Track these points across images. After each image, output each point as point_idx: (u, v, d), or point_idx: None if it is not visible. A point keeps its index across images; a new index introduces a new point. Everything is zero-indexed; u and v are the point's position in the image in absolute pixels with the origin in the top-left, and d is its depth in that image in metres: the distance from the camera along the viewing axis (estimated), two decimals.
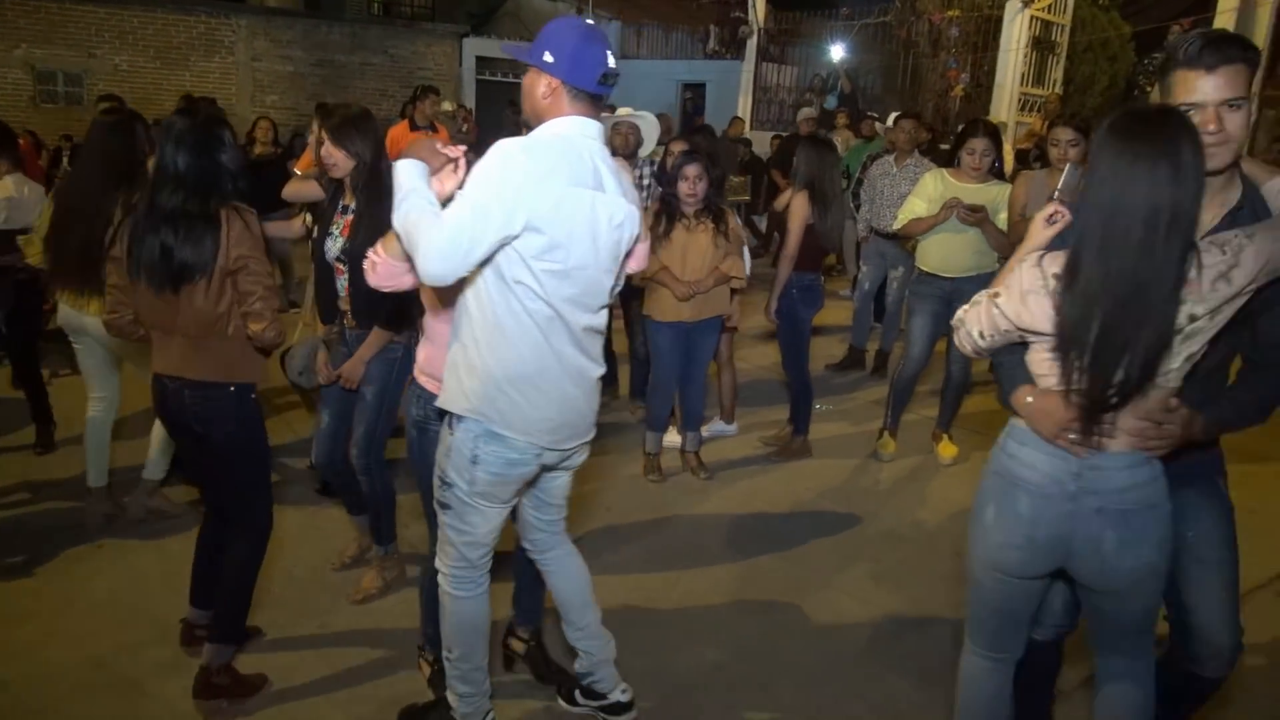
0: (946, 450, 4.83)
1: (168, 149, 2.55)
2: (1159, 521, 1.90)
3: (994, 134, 4.56)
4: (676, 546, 3.81)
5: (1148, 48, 11.53)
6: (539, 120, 2.20)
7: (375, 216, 3.03)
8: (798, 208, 4.54)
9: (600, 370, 2.37)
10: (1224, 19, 9.09)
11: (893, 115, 7.73)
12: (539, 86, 2.17)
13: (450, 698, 2.54)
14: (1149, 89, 9.92)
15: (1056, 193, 4.07)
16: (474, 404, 2.21)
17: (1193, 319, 1.77)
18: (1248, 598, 3.18)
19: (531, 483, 2.45)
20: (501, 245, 2.07)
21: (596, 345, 2.35)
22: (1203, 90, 1.85)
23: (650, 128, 5.75)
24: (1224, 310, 1.79)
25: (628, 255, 2.38)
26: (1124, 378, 1.78)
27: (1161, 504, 1.91)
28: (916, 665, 3.05)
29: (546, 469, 2.42)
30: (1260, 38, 9.03)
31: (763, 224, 10.67)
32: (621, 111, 6.56)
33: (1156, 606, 2.06)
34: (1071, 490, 1.90)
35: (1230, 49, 1.85)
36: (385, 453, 3.31)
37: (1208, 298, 1.76)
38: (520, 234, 2.06)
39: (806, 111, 9.86)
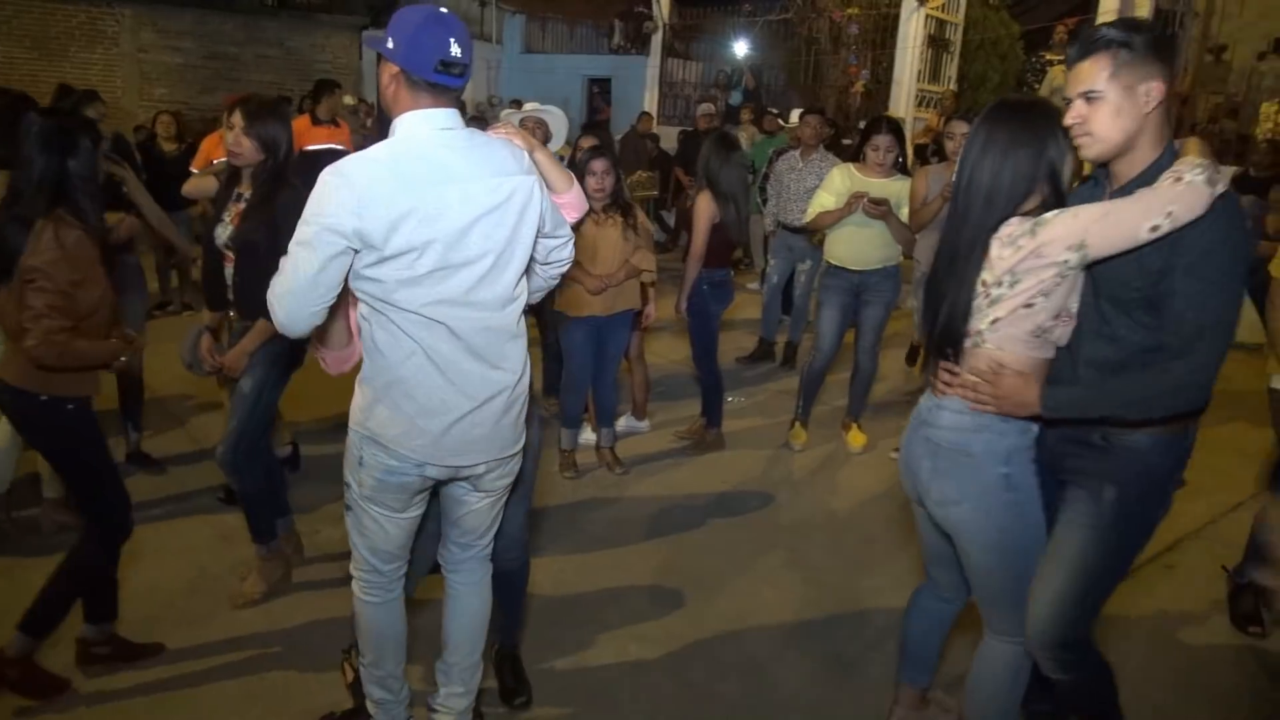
0: (856, 439, 4.93)
1: (24, 145, 2.51)
2: (970, 470, 2.10)
3: (897, 130, 4.68)
4: (594, 543, 3.80)
5: (1035, 46, 11.98)
6: (390, 114, 2.09)
7: (269, 208, 2.95)
8: (702, 207, 4.57)
9: (512, 377, 2.18)
10: (1105, 19, 9.49)
11: (797, 111, 7.87)
12: (383, 75, 2.09)
13: (369, 705, 2.47)
14: (1036, 86, 10.31)
15: (954, 177, 4.22)
16: (359, 418, 2.16)
17: (984, 284, 1.98)
18: (1136, 572, 3.35)
19: (437, 495, 2.34)
20: (350, 269, 2.00)
21: (501, 347, 2.16)
22: (1069, 84, 1.97)
23: (558, 122, 5.69)
24: (1024, 280, 1.92)
25: (553, 227, 2.27)
26: (937, 330, 2.09)
27: (978, 457, 2.08)
28: (833, 650, 3.11)
29: (449, 483, 2.28)
30: None
31: (671, 219, 10.74)
32: (528, 106, 6.49)
33: (1002, 581, 2.17)
34: (920, 420, 2.22)
35: (1094, 40, 1.92)
36: (261, 448, 3.23)
37: (994, 264, 1.95)
38: (361, 252, 1.97)
39: (705, 107, 9.94)
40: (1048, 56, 10.31)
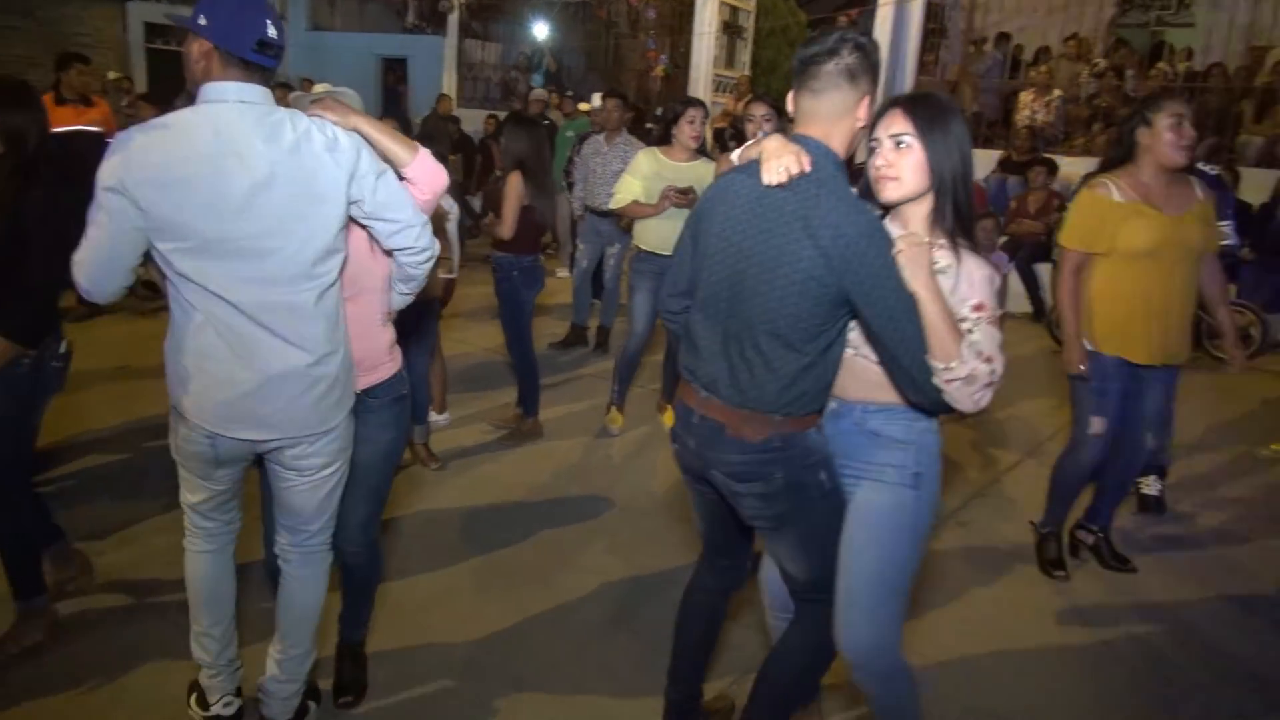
0: (671, 419, 4.99)
1: None
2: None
3: (705, 108, 4.77)
4: (413, 545, 3.66)
5: None
6: (197, 89, 2.08)
7: (18, 210, 2.59)
8: (513, 188, 4.48)
9: (310, 356, 2.12)
10: (884, 11, 10.07)
11: (599, 94, 7.88)
12: (193, 51, 2.07)
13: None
14: None
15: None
16: (168, 385, 2.18)
17: None
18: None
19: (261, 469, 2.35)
20: (142, 237, 2.02)
21: (298, 326, 2.10)
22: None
23: (351, 102, 5.43)
24: None
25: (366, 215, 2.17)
26: None
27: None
28: (662, 632, 3.13)
29: (264, 459, 2.28)
30: (913, 29, 10.11)
31: (478, 204, 10.52)
32: (319, 88, 6.12)
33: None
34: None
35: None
36: (20, 487, 2.82)
37: None
38: (144, 223, 1.99)
39: (539, 92, 9.83)
40: None
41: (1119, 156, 3.29)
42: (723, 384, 2.05)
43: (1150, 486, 4.16)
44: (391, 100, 15.84)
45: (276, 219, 2.04)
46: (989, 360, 1.86)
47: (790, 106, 2.05)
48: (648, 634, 3.11)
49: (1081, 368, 3.30)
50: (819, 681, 2.43)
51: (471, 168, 10.72)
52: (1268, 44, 9.51)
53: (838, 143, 2.00)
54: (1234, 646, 3.17)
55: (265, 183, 2.01)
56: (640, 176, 4.65)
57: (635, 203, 4.64)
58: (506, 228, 4.47)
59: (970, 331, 1.88)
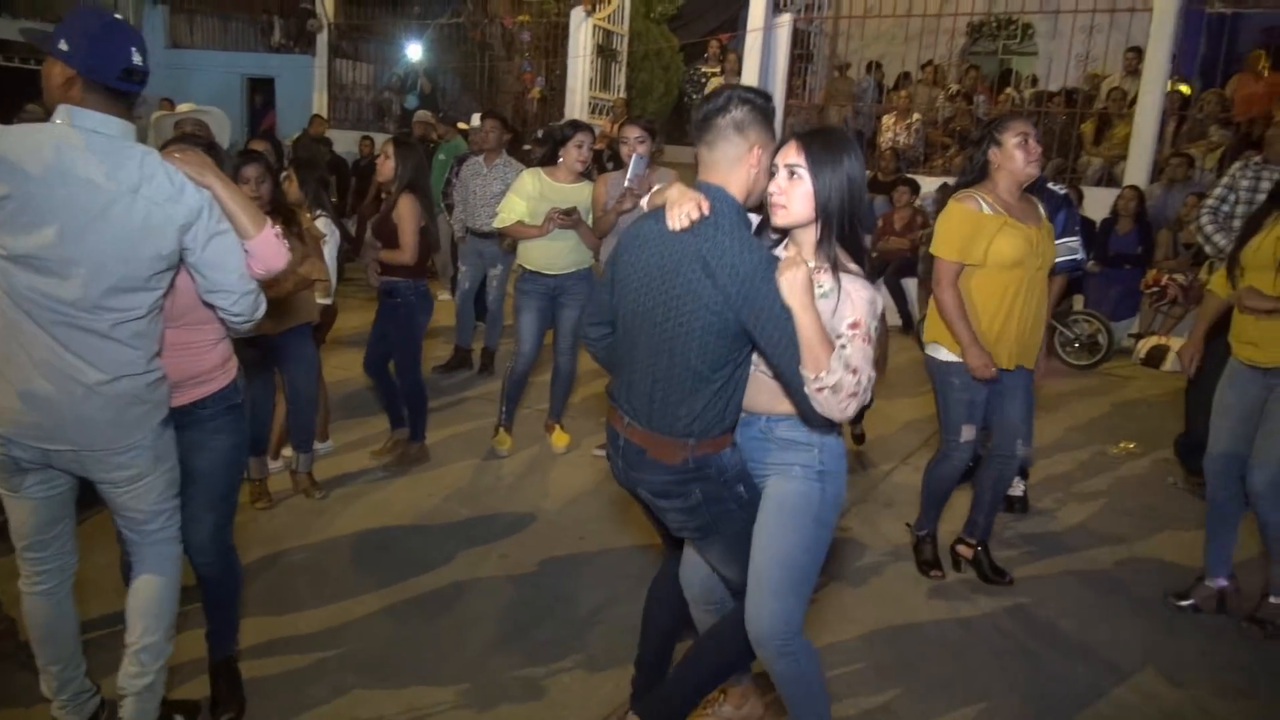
0: (560, 439, 5.02)
1: None
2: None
3: (592, 132, 4.83)
4: (300, 579, 3.55)
5: (692, 58, 12.86)
6: (54, 106, 2.12)
7: None
8: (410, 211, 4.41)
9: (104, 375, 2.15)
10: (752, 37, 10.41)
11: (476, 116, 7.86)
12: (54, 75, 2.10)
13: None
14: (696, 96, 11.07)
15: (628, 181, 4.43)
16: None
17: None
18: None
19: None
20: None
21: (94, 347, 2.13)
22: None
23: (218, 122, 5.28)
24: None
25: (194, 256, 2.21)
26: None
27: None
28: (558, 650, 3.15)
29: (71, 472, 2.28)
30: (781, 55, 10.48)
31: (352, 226, 10.29)
32: (183, 107, 5.94)
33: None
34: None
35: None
36: None
37: None
38: None
39: (423, 114, 9.70)
40: (704, 69, 11.09)
41: (973, 177, 3.42)
42: (641, 411, 2.23)
43: (1014, 487, 4.40)
44: (255, 119, 15.35)
45: (96, 251, 2.07)
46: (855, 372, 1.99)
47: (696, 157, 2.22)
48: (544, 654, 3.11)
49: (993, 371, 3.34)
50: (748, 663, 2.54)
51: (346, 190, 10.50)
52: (1103, 72, 10.27)
53: (735, 188, 2.17)
54: (1089, 633, 3.39)
55: (96, 215, 2.05)
56: (525, 196, 4.67)
57: (520, 223, 4.65)
58: (409, 252, 4.40)
59: (844, 347, 2.01)
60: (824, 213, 2.13)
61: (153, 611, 2.42)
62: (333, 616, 3.29)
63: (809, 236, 2.18)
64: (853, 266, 2.15)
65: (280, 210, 3.91)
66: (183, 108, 5.57)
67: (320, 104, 13.29)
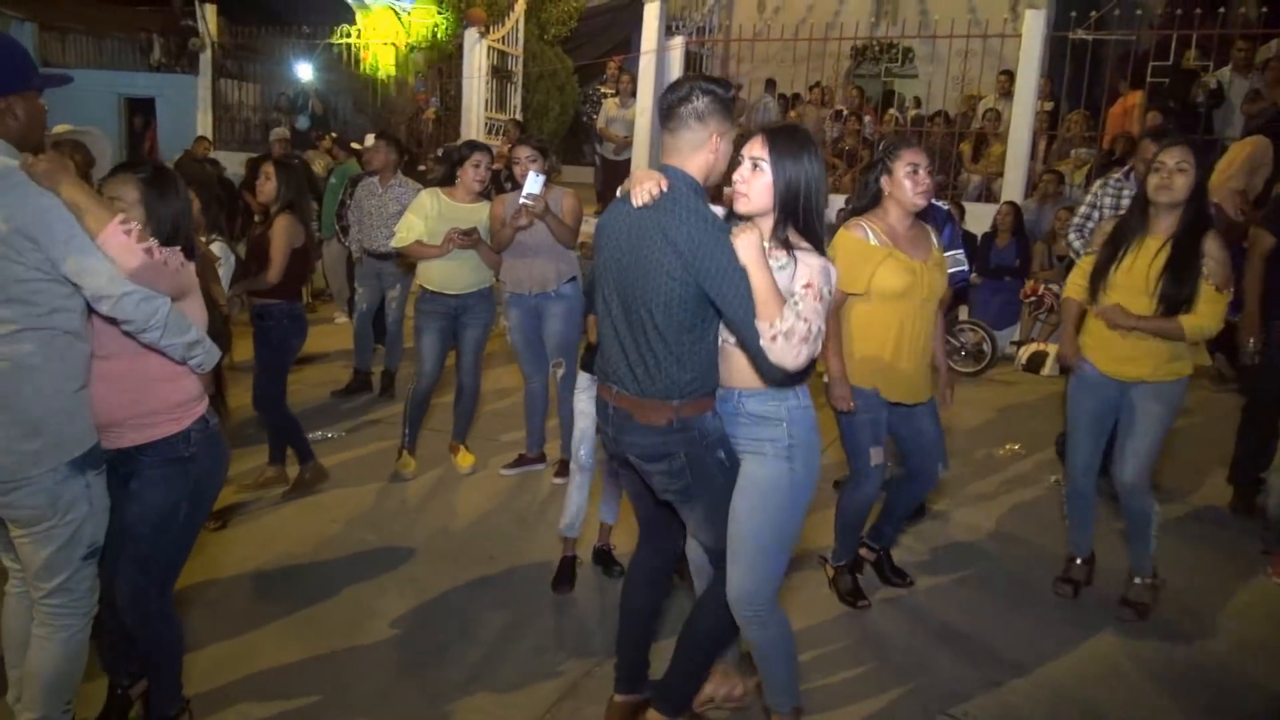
0: (465, 460, 4.98)
1: None
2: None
3: (490, 152, 4.83)
4: (197, 613, 3.41)
5: (588, 79, 12.96)
6: None
7: None
8: (285, 231, 4.33)
9: None
10: (646, 59, 10.57)
11: (370, 136, 7.76)
12: None
13: None
14: (594, 117, 11.16)
15: (523, 198, 4.46)
16: None
17: None
18: None
19: None
20: None
21: None
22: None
23: (99, 144, 5.09)
24: None
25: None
26: None
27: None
28: (470, 673, 3.12)
29: None
30: (675, 76, 10.65)
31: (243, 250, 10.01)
32: (60, 128, 5.69)
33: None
34: None
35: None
36: None
37: None
38: None
39: (279, 132, 9.48)
40: (601, 90, 11.19)
41: (865, 204, 3.43)
42: (626, 378, 2.41)
43: None
44: (135, 141, 14.78)
45: None
46: (806, 321, 2.16)
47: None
48: (456, 678, 3.08)
49: (850, 405, 3.36)
50: (734, 636, 2.70)
51: (233, 213, 10.19)
52: (979, 93, 10.78)
53: (695, 171, 2.35)
54: (984, 628, 3.55)
55: None
56: (423, 216, 4.63)
57: (419, 243, 4.61)
58: (275, 271, 4.30)
59: (797, 302, 2.20)
60: (782, 203, 2.32)
61: (36, 681, 2.28)
62: (234, 650, 3.19)
63: (768, 224, 2.36)
64: (805, 244, 2.33)
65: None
66: (59, 129, 5.33)
67: (204, 125, 12.89)
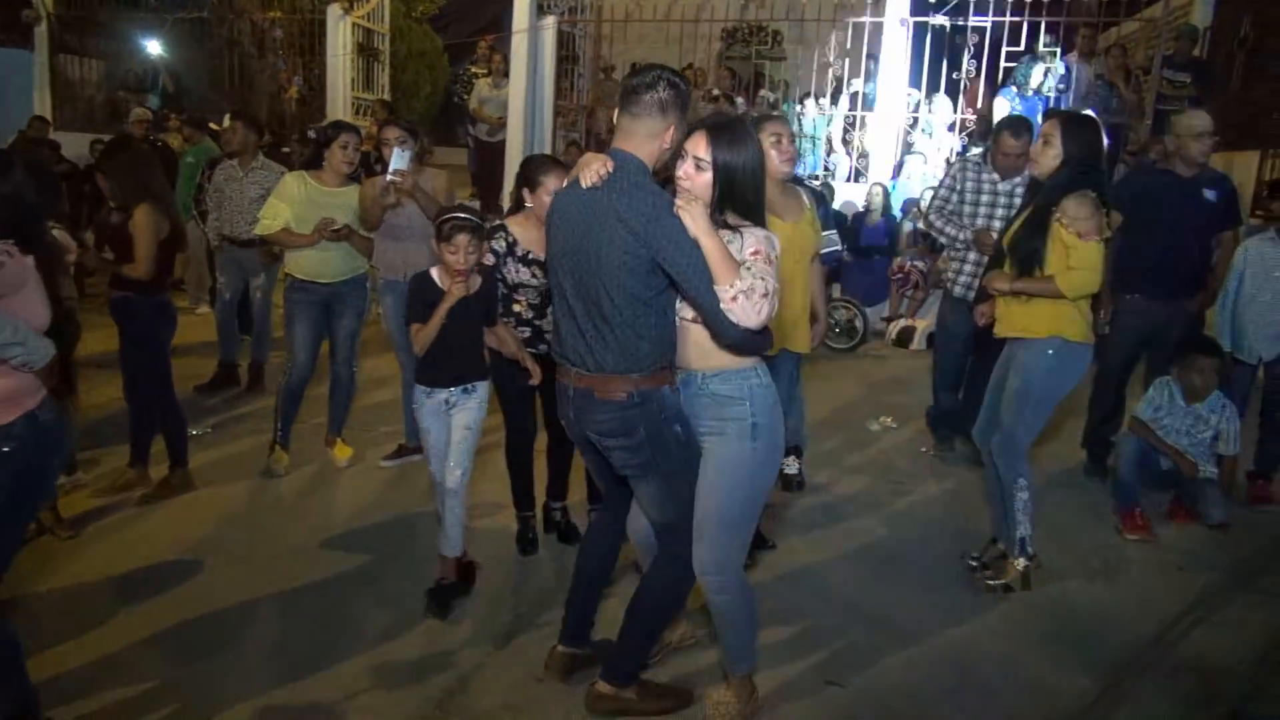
0: (342, 452, 4.82)
1: None
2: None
3: (358, 133, 4.67)
4: (53, 624, 3.19)
5: (459, 59, 12.68)
6: None
7: None
8: (147, 222, 4.06)
9: None
10: (518, 38, 10.40)
11: (227, 116, 7.38)
12: None
13: None
14: (466, 96, 10.93)
15: (389, 175, 4.37)
16: None
17: None
18: None
19: None
20: None
21: None
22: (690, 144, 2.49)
23: None
24: None
25: None
26: None
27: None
28: (352, 672, 3.02)
29: None
30: (548, 56, 10.55)
31: (89, 237, 9.38)
32: None
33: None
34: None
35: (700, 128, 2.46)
36: None
37: None
38: None
39: (140, 112, 8.94)
40: (472, 70, 10.97)
41: None
42: (585, 357, 2.49)
43: (790, 466, 4.67)
44: None
45: None
46: (763, 279, 2.30)
47: (614, 121, 2.50)
48: (338, 679, 2.99)
49: None
50: (682, 603, 2.89)
51: (79, 198, 9.54)
52: (845, 76, 11.06)
53: (645, 157, 2.45)
54: (865, 596, 3.66)
55: None
56: (289, 201, 4.44)
57: (286, 230, 4.42)
58: (143, 266, 4.05)
59: (749, 267, 2.33)
60: (722, 194, 2.44)
61: None
62: (97, 662, 2.99)
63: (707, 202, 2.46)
64: (746, 223, 2.45)
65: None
66: None
67: (42, 104, 11.98)
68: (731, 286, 2.27)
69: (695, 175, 2.45)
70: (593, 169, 2.42)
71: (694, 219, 2.32)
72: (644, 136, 2.44)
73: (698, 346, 2.52)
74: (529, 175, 3.61)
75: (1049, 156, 3.48)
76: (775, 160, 3.48)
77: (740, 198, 2.46)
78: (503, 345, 3.53)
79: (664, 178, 2.55)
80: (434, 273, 3.40)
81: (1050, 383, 3.55)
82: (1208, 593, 3.72)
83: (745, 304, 2.27)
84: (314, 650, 3.13)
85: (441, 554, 3.46)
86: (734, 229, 2.44)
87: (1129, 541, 4.18)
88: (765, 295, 2.28)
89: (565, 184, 2.62)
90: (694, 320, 2.49)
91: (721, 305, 2.29)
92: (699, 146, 2.44)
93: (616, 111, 2.50)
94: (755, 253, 2.37)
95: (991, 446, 3.67)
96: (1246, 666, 3.18)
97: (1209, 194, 4.57)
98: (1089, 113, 4.06)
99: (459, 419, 3.43)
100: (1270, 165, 8.47)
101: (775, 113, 3.53)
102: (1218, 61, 9.34)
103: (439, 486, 3.43)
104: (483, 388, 3.49)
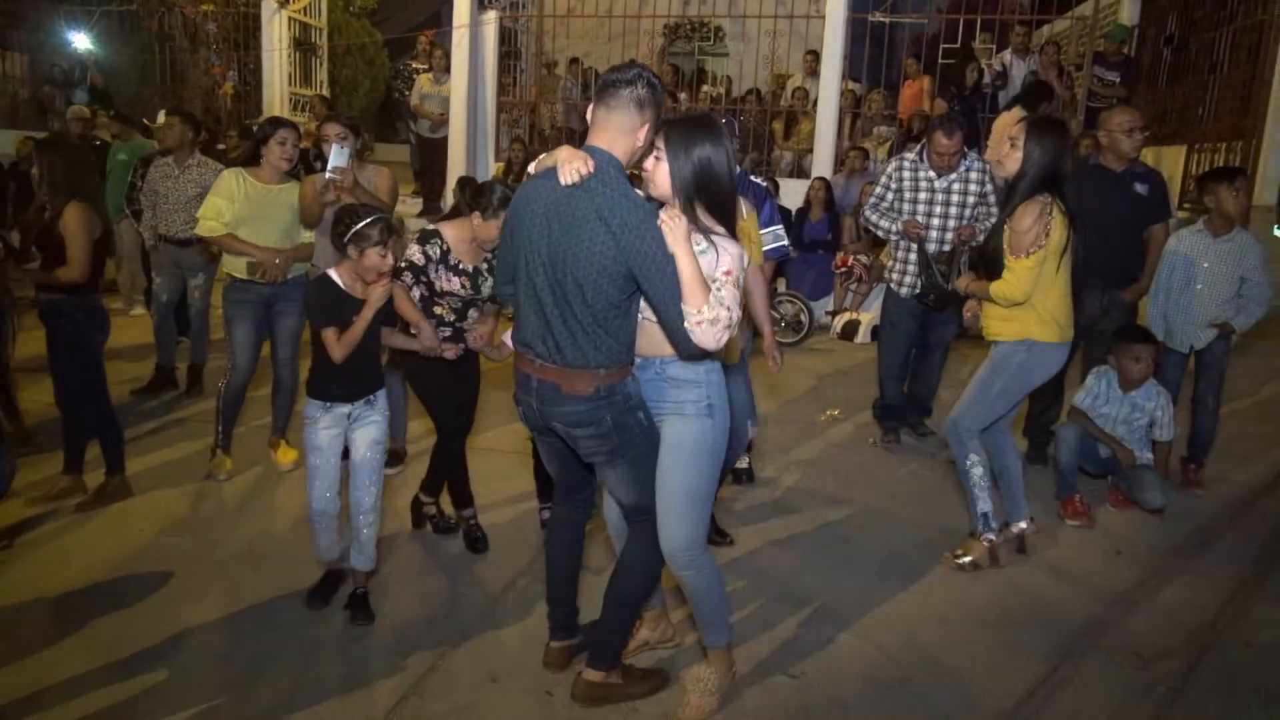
0: (286, 455, 4.72)
1: None
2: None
3: (296, 129, 4.58)
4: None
5: (399, 54, 12.51)
6: None
7: None
8: (77, 222, 3.93)
9: None
10: (459, 33, 10.29)
11: (162, 113, 7.19)
12: None
13: None
14: (407, 93, 10.79)
15: (329, 173, 4.33)
16: None
17: None
18: None
19: None
20: None
21: None
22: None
23: None
24: None
25: None
26: None
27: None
28: (297, 680, 2.97)
29: None
30: (489, 52, 10.45)
31: (15, 237, 9.06)
32: None
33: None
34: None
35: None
36: None
37: None
38: None
39: (77, 109, 8.65)
40: (413, 65, 10.82)
41: None
42: (552, 351, 2.51)
43: (740, 461, 4.70)
44: None
45: None
46: (729, 309, 2.34)
47: (588, 116, 2.51)
48: (282, 687, 2.92)
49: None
50: (658, 585, 2.98)
51: (4, 196, 9.22)
52: (787, 73, 11.16)
53: (620, 153, 2.47)
54: (815, 586, 3.70)
55: None
56: (229, 199, 4.35)
57: (233, 237, 4.36)
58: (77, 268, 3.92)
59: (720, 289, 2.35)
60: (683, 188, 2.45)
61: None
62: (29, 680, 2.89)
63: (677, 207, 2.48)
64: (719, 229, 2.47)
65: None
66: None
67: None
68: (699, 312, 2.31)
69: (654, 166, 2.49)
70: (572, 166, 2.40)
71: (675, 235, 2.34)
72: (620, 131, 2.46)
73: (656, 339, 2.56)
74: (483, 201, 3.49)
75: (1014, 160, 3.56)
76: None
77: (714, 194, 2.47)
78: (410, 342, 3.52)
79: (633, 175, 2.57)
80: (335, 275, 3.24)
81: (1021, 376, 3.73)
82: (1145, 576, 3.83)
83: (708, 330, 2.32)
84: (259, 659, 3.07)
85: (355, 568, 3.38)
86: (706, 235, 2.45)
87: (1070, 528, 4.29)
88: (728, 326, 2.33)
89: (535, 171, 2.60)
90: (653, 320, 2.52)
91: (685, 323, 2.33)
92: (658, 139, 2.49)
93: (591, 106, 2.51)
94: (727, 273, 2.39)
95: (945, 426, 3.79)
96: (1182, 647, 3.27)
97: (1139, 188, 4.70)
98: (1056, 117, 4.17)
99: (365, 434, 3.30)
100: (1197, 159, 8.75)
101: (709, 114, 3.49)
102: (1145, 59, 9.61)
103: (320, 515, 3.29)
104: (382, 396, 3.38)
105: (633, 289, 2.45)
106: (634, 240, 2.34)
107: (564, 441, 2.71)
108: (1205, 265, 4.63)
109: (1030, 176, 3.53)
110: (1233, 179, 4.67)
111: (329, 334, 3.17)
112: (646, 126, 2.48)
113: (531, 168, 2.64)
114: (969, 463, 3.81)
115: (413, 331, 3.55)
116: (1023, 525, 3.94)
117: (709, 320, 2.31)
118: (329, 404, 3.26)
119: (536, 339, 2.56)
